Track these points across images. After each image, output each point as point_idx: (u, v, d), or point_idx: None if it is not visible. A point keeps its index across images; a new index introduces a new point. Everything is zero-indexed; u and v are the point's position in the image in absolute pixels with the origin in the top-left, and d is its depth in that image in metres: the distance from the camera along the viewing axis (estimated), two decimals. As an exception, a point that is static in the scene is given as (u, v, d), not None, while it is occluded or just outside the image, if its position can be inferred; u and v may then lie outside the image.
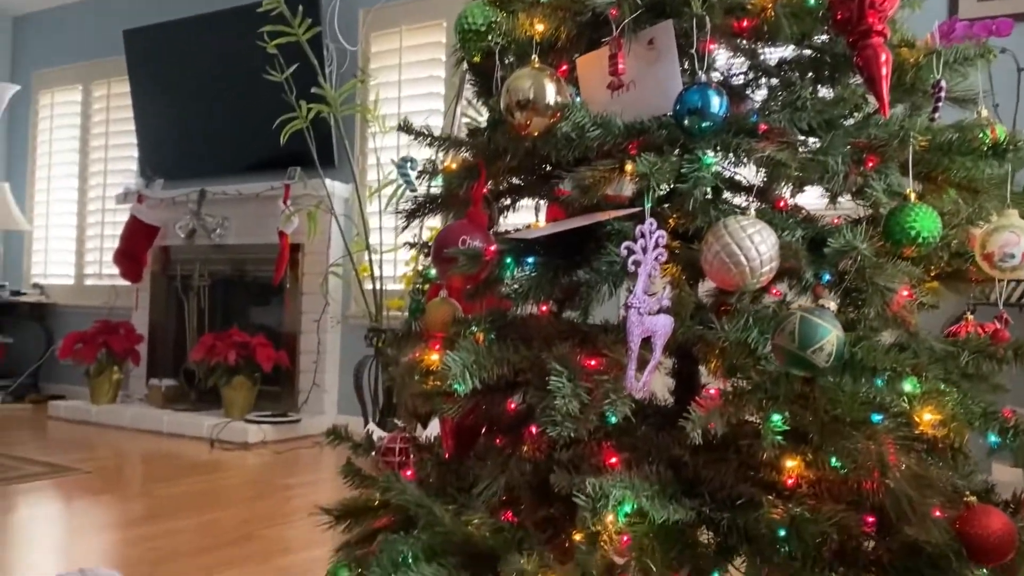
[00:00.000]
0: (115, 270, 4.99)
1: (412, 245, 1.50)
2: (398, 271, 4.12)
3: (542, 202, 1.53)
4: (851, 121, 1.26)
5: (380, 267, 4.06)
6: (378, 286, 4.04)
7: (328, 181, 4.29)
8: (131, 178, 5.37)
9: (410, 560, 1.02)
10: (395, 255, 4.15)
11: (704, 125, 1.07)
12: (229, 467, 3.69)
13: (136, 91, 5.21)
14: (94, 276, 5.69)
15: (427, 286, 1.45)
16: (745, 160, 1.10)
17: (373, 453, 1.44)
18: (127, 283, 5.03)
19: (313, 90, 3.98)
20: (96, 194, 5.69)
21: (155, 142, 5.16)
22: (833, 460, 1.03)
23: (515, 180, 1.46)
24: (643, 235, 1.00)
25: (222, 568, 2.27)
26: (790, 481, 1.04)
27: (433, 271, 1.50)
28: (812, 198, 1.29)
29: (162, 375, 4.96)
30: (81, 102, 5.80)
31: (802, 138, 1.17)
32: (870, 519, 1.07)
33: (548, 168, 1.38)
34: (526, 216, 1.60)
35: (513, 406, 1.35)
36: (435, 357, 1.20)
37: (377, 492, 1.21)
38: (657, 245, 1.00)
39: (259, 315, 4.95)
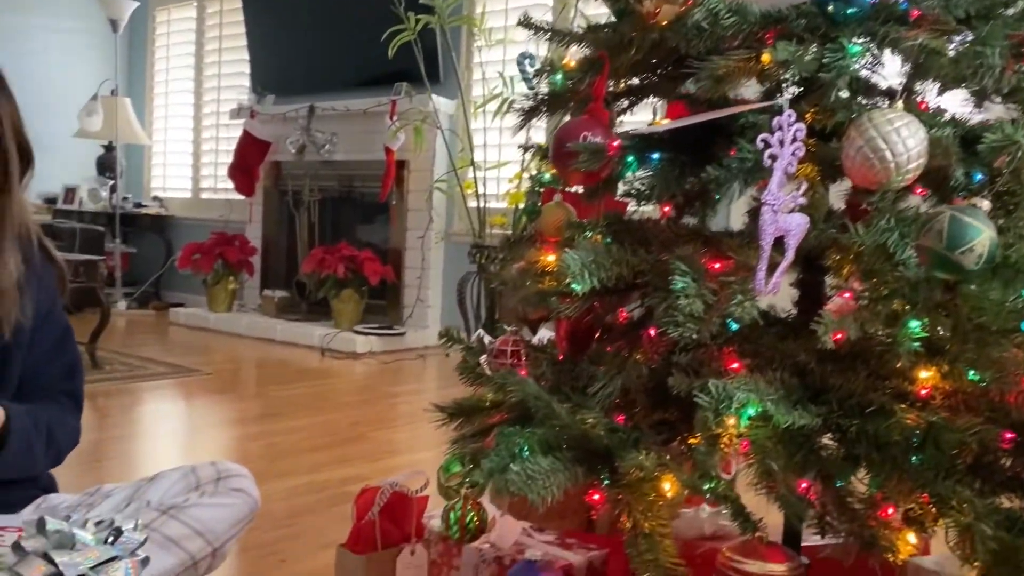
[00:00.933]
0: (229, 184, 5.16)
1: (526, 148, 1.48)
2: (501, 188, 4.11)
3: (660, 104, 1.47)
4: (1011, 11, 1.15)
5: (484, 184, 4.06)
6: (481, 203, 4.05)
7: (434, 96, 4.28)
8: (244, 94, 5.50)
9: (526, 452, 1.03)
10: (499, 172, 4.14)
11: (850, 11, 0.99)
12: (338, 374, 3.83)
13: (248, 6, 5.28)
14: (209, 190, 5.91)
15: (541, 190, 1.43)
16: (892, 50, 1.02)
17: (484, 355, 1.45)
18: (241, 197, 5.20)
19: (421, 0, 3.94)
20: (211, 109, 5.86)
21: (266, 58, 5.25)
22: (971, 373, 0.98)
23: (634, 80, 1.41)
24: (780, 128, 0.94)
25: (335, 465, 2.37)
26: (924, 391, 0.99)
27: (547, 175, 1.47)
28: (954, 103, 1.20)
29: (275, 286, 5.15)
30: (196, 19, 5.93)
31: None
32: (1008, 435, 1.01)
33: (670, 67, 1.33)
34: (642, 120, 1.55)
35: (624, 314, 1.33)
36: (551, 258, 1.19)
37: (493, 390, 1.22)
38: (795, 139, 0.95)
39: (366, 231, 5.05)
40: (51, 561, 0.91)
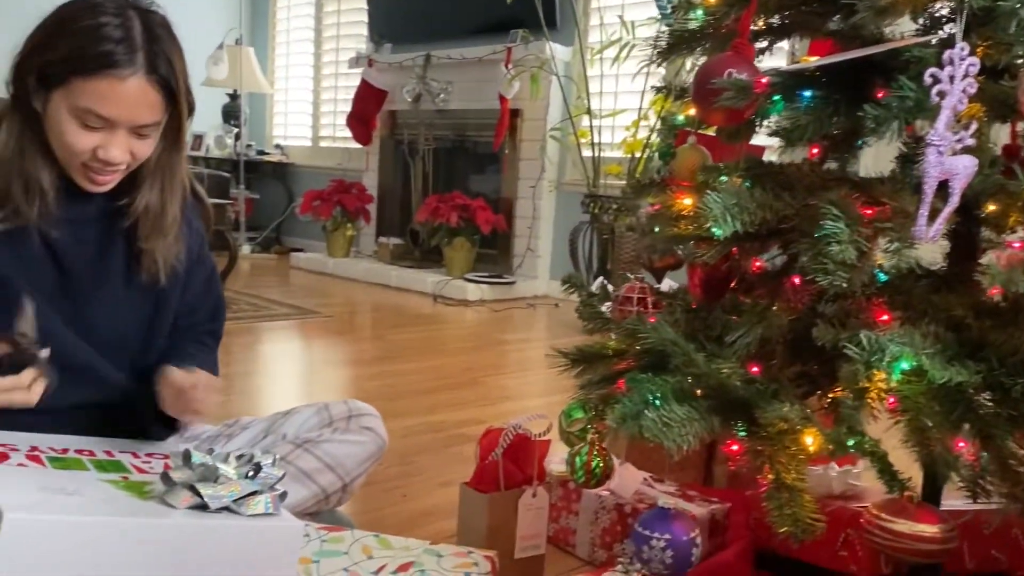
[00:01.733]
0: (347, 132, 5.26)
1: (660, 88, 1.43)
2: (616, 137, 4.03)
3: (798, 44, 1.39)
4: None
5: (598, 133, 3.99)
6: (596, 152, 3.99)
7: (551, 43, 4.22)
8: (362, 43, 5.56)
9: (659, 401, 1.01)
10: (614, 120, 4.06)
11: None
12: (450, 321, 3.90)
13: (366, -45, 5.32)
14: (328, 138, 6.05)
15: (675, 132, 1.38)
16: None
17: (607, 304, 1.43)
18: (358, 146, 5.30)
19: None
20: (330, 58, 5.96)
21: (384, 6, 5.28)
22: None
23: (774, 19, 1.34)
24: (951, 62, 0.87)
25: (450, 408, 2.41)
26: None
27: (680, 116, 1.42)
28: None
29: (389, 234, 5.26)
30: (316, -32, 6.02)
31: None
32: None
33: (816, 3, 1.25)
34: (779, 62, 1.47)
35: (758, 263, 1.28)
36: (687, 202, 1.15)
37: (621, 336, 1.20)
38: (967, 74, 0.87)
39: (477, 181, 5.07)
40: (197, 493, 0.96)
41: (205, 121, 5.93)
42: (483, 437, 1.37)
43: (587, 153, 4.01)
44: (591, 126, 3.93)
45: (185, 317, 1.31)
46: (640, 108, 3.75)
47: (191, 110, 1.16)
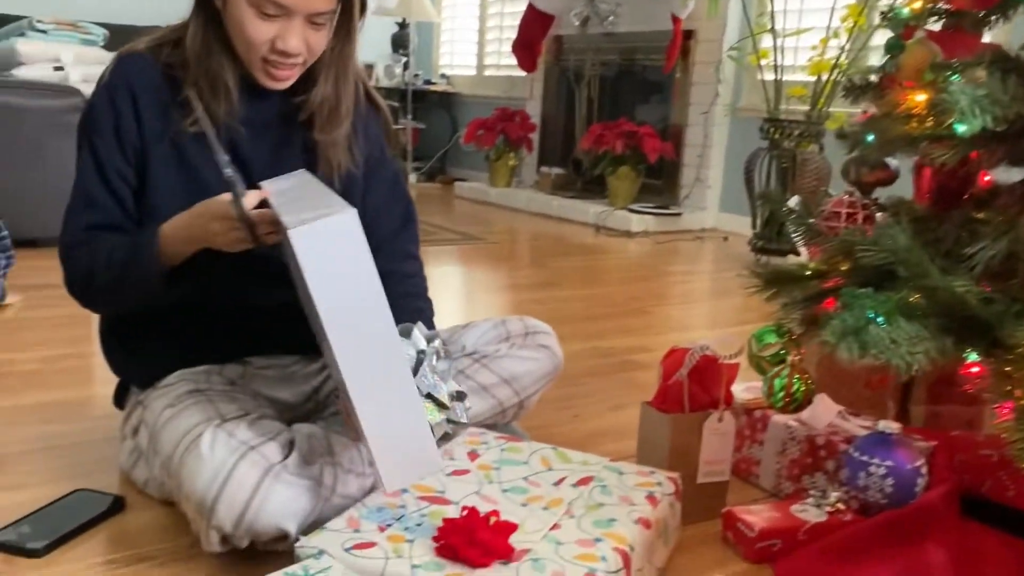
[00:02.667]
0: (512, 61, 5.20)
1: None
2: (799, 59, 3.75)
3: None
4: None
5: (781, 54, 3.72)
6: (778, 75, 3.72)
7: (730, -42, 3.96)
8: (529, -34, 5.44)
9: (881, 318, 0.90)
10: (797, 40, 3.77)
11: None
12: (612, 251, 3.82)
13: None
14: (493, 67, 6.01)
15: (901, 28, 1.22)
16: None
17: (812, 219, 1.31)
18: (523, 73, 5.23)
19: None
20: (497, -15, 5.89)
21: (552, -73, 5.13)
22: None
23: None
24: None
25: (618, 334, 2.36)
26: None
27: (905, 10, 1.26)
28: None
29: (551, 163, 5.20)
30: None
31: None
32: None
33: None
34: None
35: (987, 176, 1.12)
36: (921, 98, 1.01)
37: (839, 250, 1.09)
38: None
39: (645, 109, 4.90)
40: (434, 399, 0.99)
41: (374, 50, 6.04)
42: (666, 357, 1.31)
43: (768, 76, 3.76)
44: (773, 46, 3.66)
45: (374, 225, 1.31)
46: (828, 26, 3.46)
47: (363, 8, 1.15)
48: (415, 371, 0.99)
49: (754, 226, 3.60)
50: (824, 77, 3.38)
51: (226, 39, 1.13)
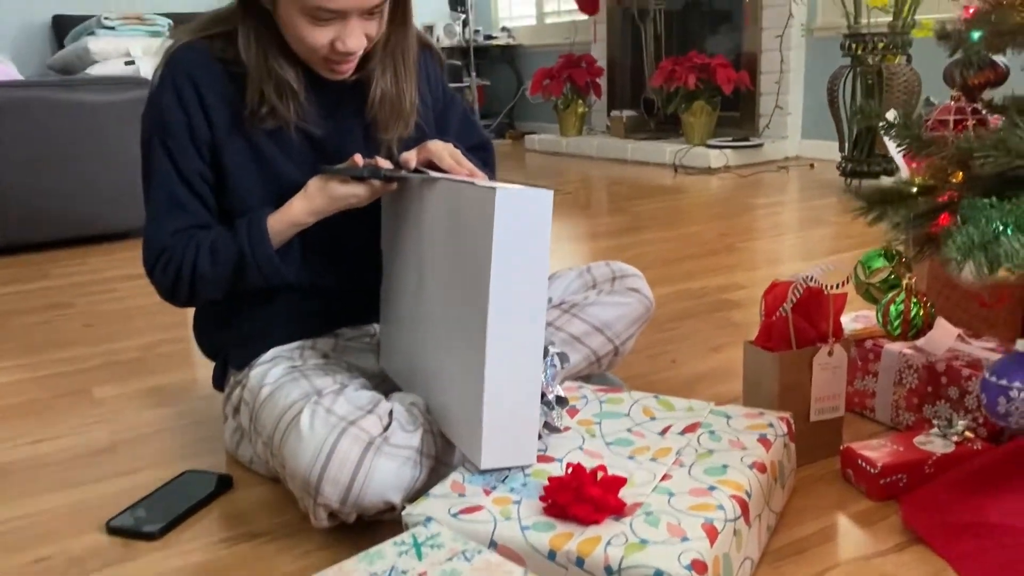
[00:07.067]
0: (572, 5, 5.06)
1: None
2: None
3: None
4: None
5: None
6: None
7: None
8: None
9: (1009, 229, 0.82)
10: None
11: None
12: (694, 190, 3.70)
13: None
14: (553, 14, 5.87)
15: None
16: None
17: (920, 128, 1.20)
18: (585, 17, 5.09)
19: None
20: (549, -71, 5.73)
21: None
22: None
23: None
24: None
25: (709, 273, 2.28)
26: None
27: None
28: None
29: (622, 106, 5.07)
30: None
31: None
32: None
33: None
34: None
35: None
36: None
37: (952, 156, 0.99)
38: None
39: (715, 41, 4.71)
40: None
41: (433, 11, 5.97)
42: (767, 292, 1.24)
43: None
44: (849, -44, 3.44)
45: None
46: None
47: None
48: None
49: (842, 149, 3.43)
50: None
51: (280, 39, 1.10)
